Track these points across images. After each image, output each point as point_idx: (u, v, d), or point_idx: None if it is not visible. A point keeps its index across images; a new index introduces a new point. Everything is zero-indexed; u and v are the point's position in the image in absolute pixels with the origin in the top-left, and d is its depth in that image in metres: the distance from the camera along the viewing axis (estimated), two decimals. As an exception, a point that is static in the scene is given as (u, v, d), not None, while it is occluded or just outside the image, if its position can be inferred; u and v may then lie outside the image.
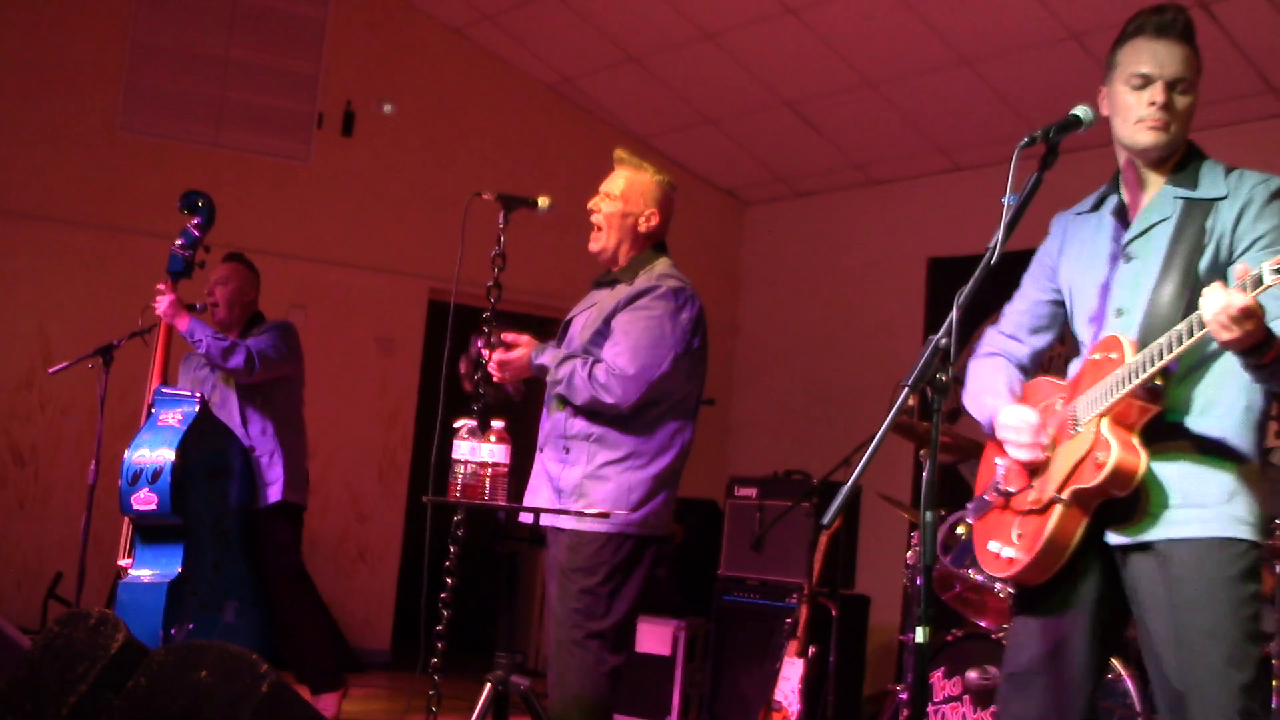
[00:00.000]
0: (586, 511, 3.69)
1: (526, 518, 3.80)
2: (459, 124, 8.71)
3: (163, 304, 5.53)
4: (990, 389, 2.97)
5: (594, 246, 4.15)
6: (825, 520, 2.49)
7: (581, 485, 3.88)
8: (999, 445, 2.90)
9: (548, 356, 3.93)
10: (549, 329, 4.23)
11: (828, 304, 8.74)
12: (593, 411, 3.90)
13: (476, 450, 3.29)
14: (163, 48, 8.03)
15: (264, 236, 7.72)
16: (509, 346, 3.92)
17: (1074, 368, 2.87)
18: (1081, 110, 2.69)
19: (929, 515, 2.44)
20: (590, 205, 4.15)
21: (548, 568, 3.99)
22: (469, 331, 3.91)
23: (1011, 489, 2.82)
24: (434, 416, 3.73)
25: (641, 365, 3.84)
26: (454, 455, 3.31)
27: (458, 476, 3.29)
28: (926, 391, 2.50)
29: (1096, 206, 2.95)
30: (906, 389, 2.44)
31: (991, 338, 3.12)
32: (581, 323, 4.08)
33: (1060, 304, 3.00)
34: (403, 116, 8.53)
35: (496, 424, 3.34)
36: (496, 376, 3.94)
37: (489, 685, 3.17)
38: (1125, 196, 2.88)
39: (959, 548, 4.96)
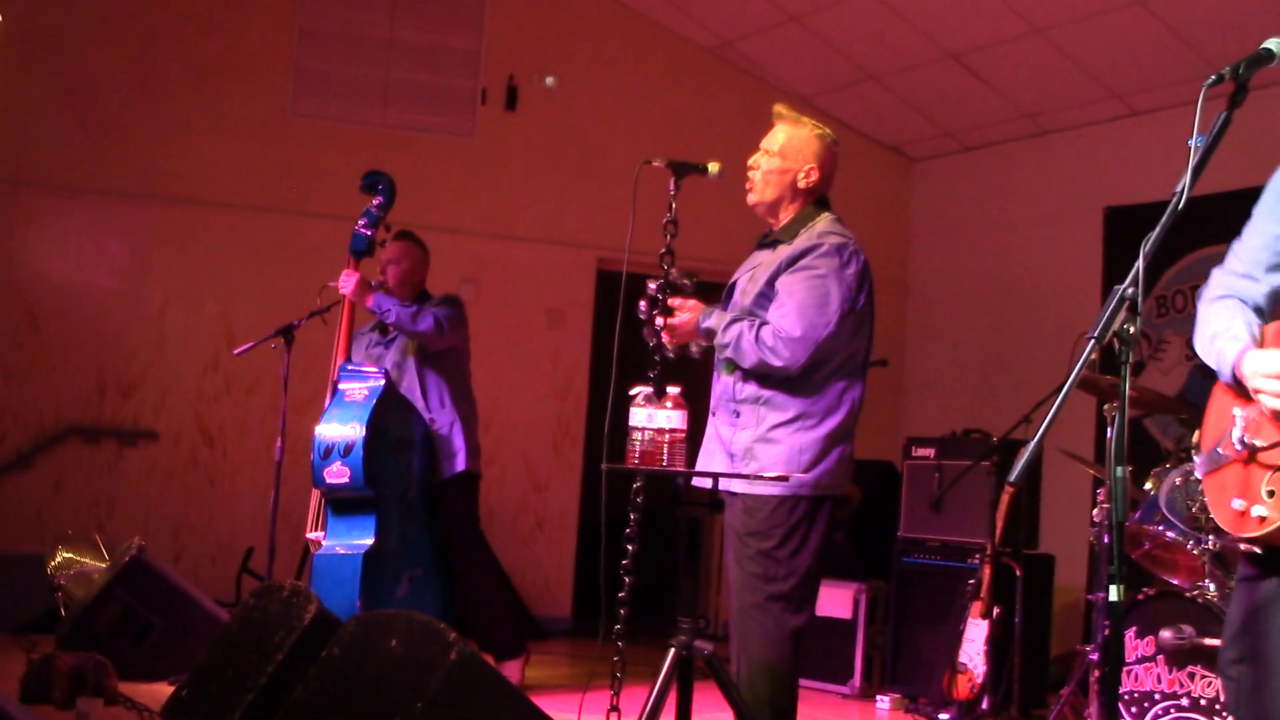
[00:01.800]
0: (762, 474, 3.68)
1: (704, 483, 3.81)
2: (620, 93, 8.73)
3: (349, 284, 5.67)
4: (1228, 333, 2.71)
5: (750, 200, 4.13)
6: (1012, 479, 2.42)
7: (752, 448, 3.87)
8: (1235, 393, 2.68)
9: (714, 319, 3.91)
10: (716, 295, 4.21)
11: (1001, 259, 8.57)
12: (761, 374, 3.89)
13: (653, 416, 3.31)
14: (328, 32, 8.21)
15: (432, 213, 7.84)
16: (675, 312, 3.92)
17: None
18: (1274, 43, 2.54)
19: (1119, 470, 2.37)
20: (750, 162, 4.12)
21: (725, 533, 4.00)
22: (639, 301, 3.91)
23: (1260, 442, 2.59)
24: (606, 386, 3.75)
25: (807, 326, 3.81)
26: (631, 422, 3.32)
27: (635, 443, 3.31)
28: (1114, 343, 2.42)
29: None
30: (1092, 341, 2.37)
31: (1221, 279, 2.83)
32: (745, 284, 4.06)
33: None
34: (565, 88, 8.58)
35: (672, 389, 3.34)
36: (666, 340, 3.94)
37: (672, 650, 3.18)
38: None
39: (1147, 503, 4.84)
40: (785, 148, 4.07)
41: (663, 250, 3.74)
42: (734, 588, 3.94)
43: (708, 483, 3.87)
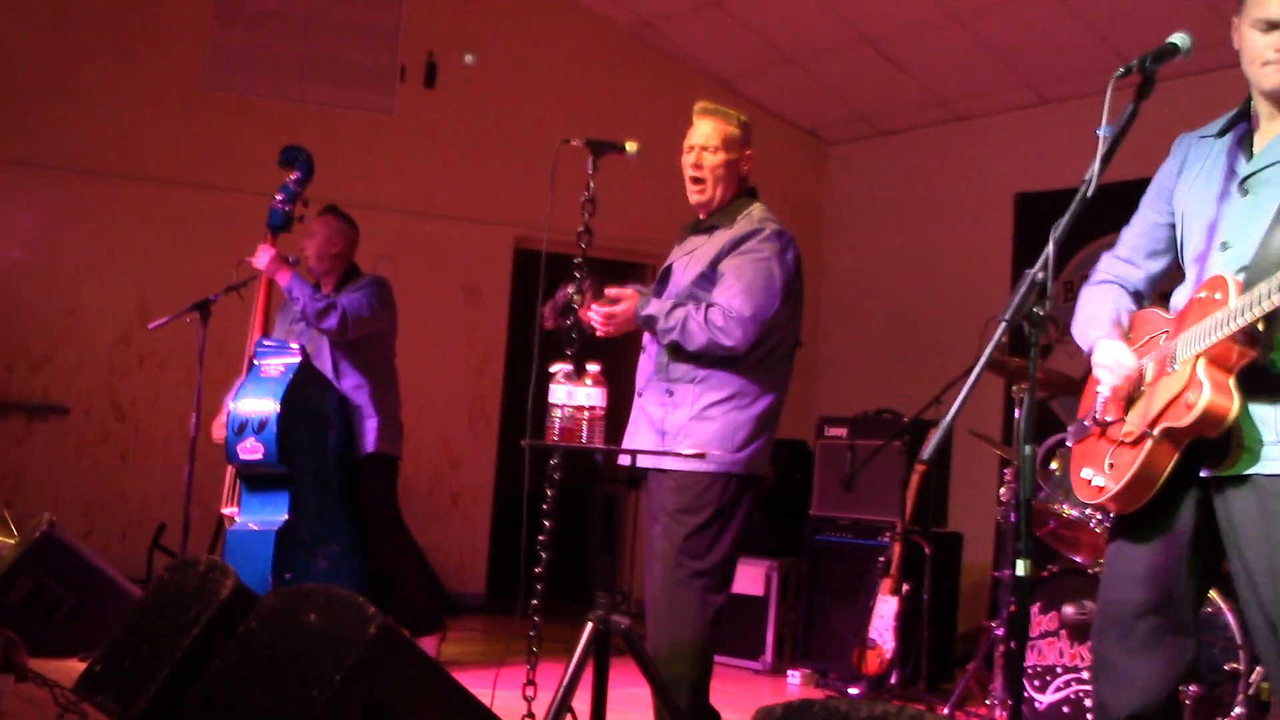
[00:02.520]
0: (685, 452, 3.72)
1: (644, 461, 3.86)
2: (540, 72, 8.72)
3: (264, 259, 5.64)
4: (1094, 319, 2.93)
5: (698, 199, 4.13)
6: (925, 457, 2.49)
7: (687, 426, 3.93)
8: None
9: (654, 307, 3.96)
10: (634, 274, 4.26)
11: (914, 243, 8.68)
12: (697, 354, 3.93)
13: (573, 394, 3.33)
14: (247, 6, 8.12)
15: (351, 189, 7.78)
16: (612, 302, 3.95)
17: (1179, 300, 2.82)
18: (1179, 38, 2.64)
19: (1027, 449, 2.45)
20: (691, 161, 4.14)
21: (646, 511, 4.04)
22: (559, 278, 3.93)
23: (1108, 418, 2.81)
24: (522, 364, 3.77)
25: (756, 306, 3.89)
26: (550, 399, 3.35)
27: (555, 420, 3.33)
28: (1023, 326, 2.49)
29: (1223, 132, 2.86)
30: (1003, 324, 2.44)
31: (1106, 263, 3.05)
32: (682, 268, 4.10)
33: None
34: (484, 66, 8.55)
35: (593, 367, 3.37)
36: (601, 332, 3.98)
37: (590, 624, 3.22)
38: (1254, 126, 2.80)
39: (1053, 483, 4.95)
40: (726, 141, 4.10)
41: (580, 229, 3.76)
42: (657, 563, 3.98)
43: (645, 462, 3.93)
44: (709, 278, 4.00)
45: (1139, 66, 2.62)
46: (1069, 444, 2.91)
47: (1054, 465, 5.04)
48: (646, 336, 4.11)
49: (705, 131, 4.13)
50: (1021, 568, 2.42)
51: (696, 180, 4.12)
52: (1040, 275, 2.47)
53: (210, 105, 8.02)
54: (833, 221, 9.37)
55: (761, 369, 3.99)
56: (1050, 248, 2.47)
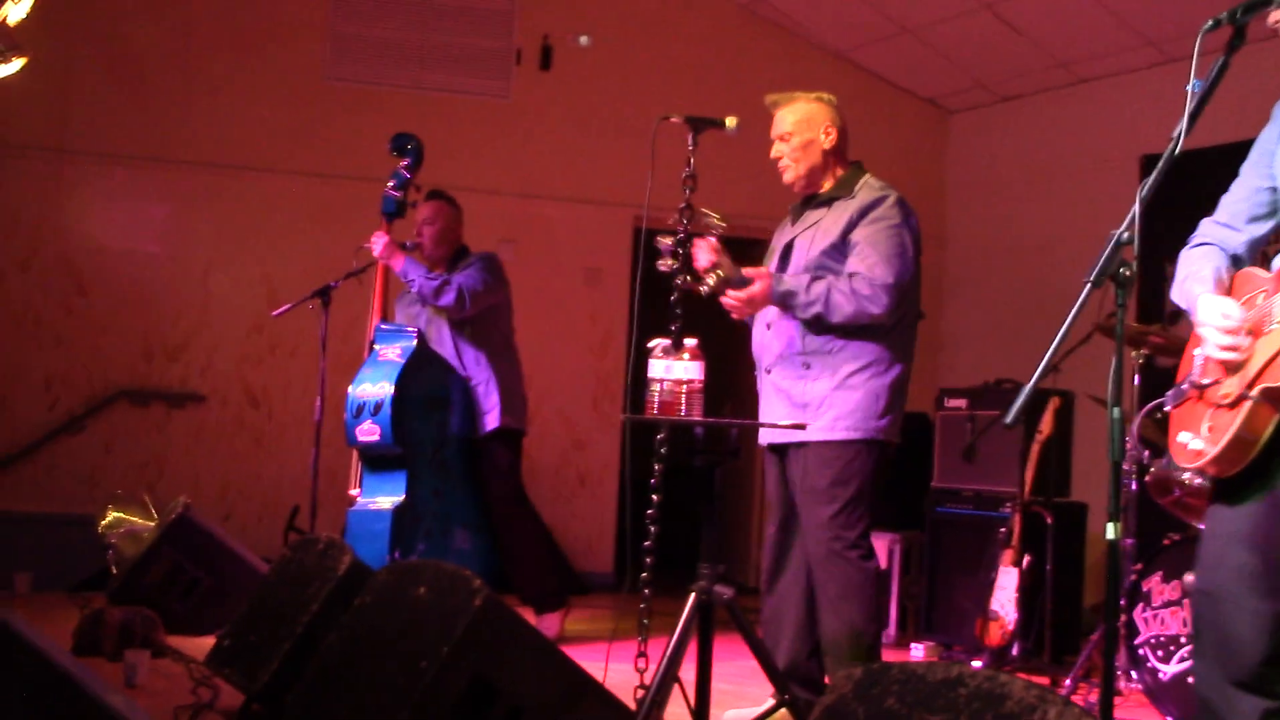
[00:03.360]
0: (783, 423, 3.75)
1: (769, 437, 4.03)
2: (655, 50, 8.75)
3: (378, 245, 5.76)
4: (1196, 276, 2.87)
5: (789, 181, 4.32)
6: (1008, 421, 2.50)
7: (830, 397, 4.01)
8: (1198, 336, 2.82)
9: (791, 282, 4.06)
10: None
11: (1037, 209, 8.54)
12: (829, 325, 4.00)
13: (671, 368, 3.37)
14: (364, -4, 8.28)
15: (470, 174, 7.91)
16: (747, 283, 4.04)
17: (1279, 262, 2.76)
18: (1272, -14, 2.58)
19: (1116, 411, 2.43)
20: (772, 155, 4.33)
21: (777, 485, 4.14)
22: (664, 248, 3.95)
23: (1205, 381, 2.76)
24: (631, 343, 3.82)
25: (897, 273, 4.01)
26: (649, 374, 3.40)
27: (654, 394, 3.38)
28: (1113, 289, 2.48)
29: None
30: (1088, 285, 2.43)
31: (1205, 227, 2.99)
32: (807, 243, 4.17)
33: None
34: (599, 47, 8.60)
35: (690, 341, 3.41)
36: (739, 314, 4.08)
37: (693, 595, 3.26)
38: None
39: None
40: (796, 124, 4.27)
41: (682, 205, 3.80)
42: (810, 542, 4.05)
43: (772, 437, 4.04)
44: (840, 249, 4.09)
45: (1229, 18, 2.59)
46: (1167, 408, 2.87)
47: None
48: (770, 313, 4.18)
49: (777, 121, 4.33)
50: (1111, 531, 2.41)
51: (781, 164, 4.32)
52: (1125, 235, 2.44)
53: (329, 95, 8.20)
54: (955, 191, 9.26)
55: (894, 336, 4.11)
56: (1137, 207, 2.45)
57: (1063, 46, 8.01)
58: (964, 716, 1.84)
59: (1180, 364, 2.90)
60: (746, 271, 4.08)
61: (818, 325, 4.07)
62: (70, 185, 7.84)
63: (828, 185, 4.26)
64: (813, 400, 4.06)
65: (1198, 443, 2.74)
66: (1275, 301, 2.65)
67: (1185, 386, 2.81)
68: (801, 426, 3.72)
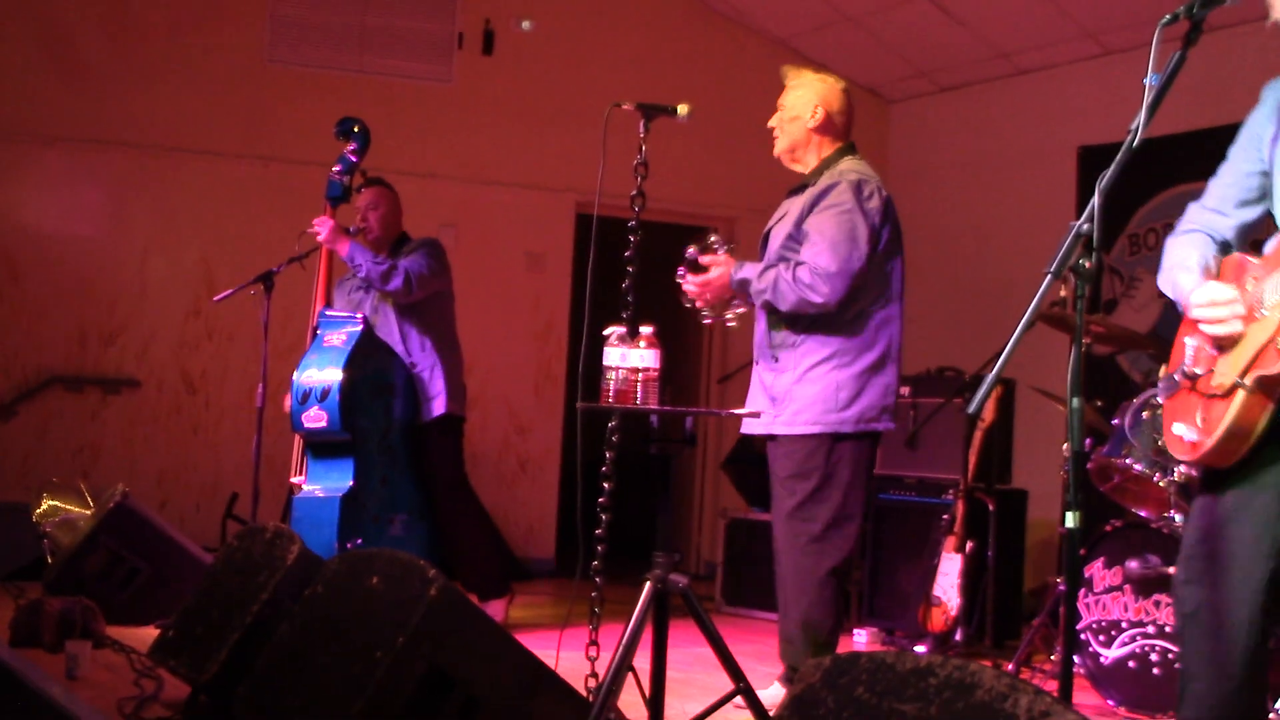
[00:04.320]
0: (740, 411, 3.75)
1: (750, 429, 4.16)
2: (598, 37, 8.73)
3: (324, 231, 5.71)
4: (1183, 265, 2.81)
5: (775, 152, 4.38)
6: (970, 410, 2.50)
7: (792, 390, 4.02)
8: (1191, 325, 2.78)
9: (747, 270, 4.11)
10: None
11: (977, 198, 8.62)
12: (794, 317, 4.02)
13: (627, 356, 3.37)
14: (304, -23, 8.19)
15: (411, 159, 7.86)
16: (705, 270, 4.07)
17: (1270, 246, 2.72)
18: (1227, -17, 2.60)
19: (1076, 401, 2.44)
20: (769, 123, 4.40)
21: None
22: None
23: (1198, 370, 2.72)
24: (584, 330, 3.81)
25: (842, 260, 3.98)
26: (604, 361, 3.39)
27: (609, 382, 3.37)
28: (1073, 279, 2.48)
29: None
30: (1049, 277, 2.44)
31: (1192, 213, 2.93)
32: (777, 234, 4.22)
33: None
34: (541, 32, 8.57)
35: (645, 329, 3.40)
36: (699, 301, 4.10)
37: (648, 584, 3.26)
38: None
39: (1115, 437, 4.92)
40: (790, 98, 4.33)
41: (633, 192, 3.80)
42: (776, 530, 4.08)
43: (750, 429, 4.17)
44: (795, 238, 4.13)
45: (1186, 12, 2.59)
46: (1159, 400, 2.85)
47: (1117, 420, 5.00)
48: (759, 311, 4.23)
49: (783, 95, 4.39)
50: (1071, 519, 2.42)
51: (774, 137, 4.37)
52: (1085, 227, 2.45)
53: (269, 77, 8.11)
54: (895, 180, 9.26)
55: (862, 323, 4.09)
56: (1096, 199, 2.45)
57: (1004, 37, 8.07)
58: (935, 706, 1.85)
59: (1171, 355, 2.86)
60: (703, 259, 4.11)
61: (783, 317, 4.11)
62: (2, 168, 7.70)
63: (811, 165, 4.29)
64: (780, 393, 4.10)
65: (1193, 434, 2.70)
66: (1266, 287, 2.62)
67: (1177, 377, 2.76)
68: (755, 414, 3.75)
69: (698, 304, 4.19)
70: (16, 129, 7.68)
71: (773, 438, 4.14)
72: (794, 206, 4.22)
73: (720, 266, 4.09)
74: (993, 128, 8.58)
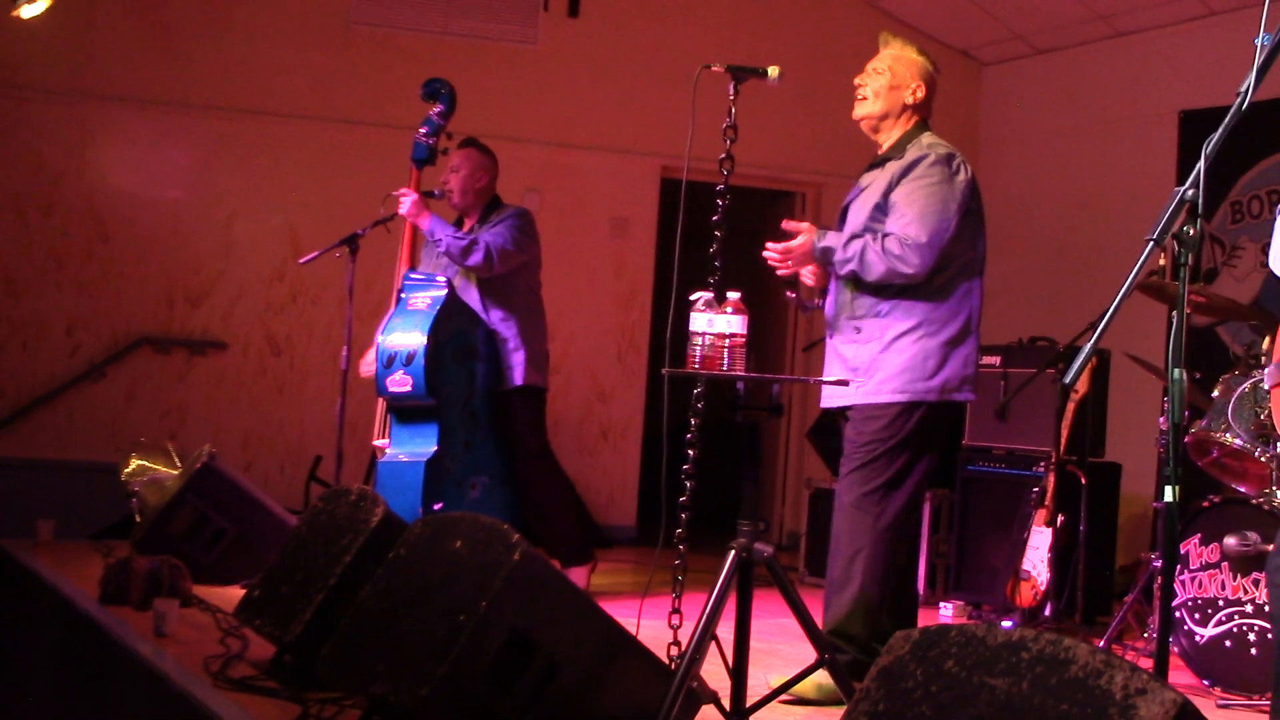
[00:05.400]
0: (828, 380, 3.74)
1: (831, 400, 4.17)
2: (685, -2, 8.68)
3: (406, 204, 5.73)
4: None
5: (858, 112, 4.33)
6: (1066, 380, 2.46)
7: (878, 360, 4.07)
8: None
9: (831, 239, 4.13)
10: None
11: (1072, 165, 8.48)
12: (879, 287, 4.07)
13: (713, 321, 3.35)
14: (390, -61, 8.21)
15: (496, 122, 7.86)
16: (789, 236, 4.12)
17: None
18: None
19: (1177, 372, 2.40)
20: (857, 80, 4.34)
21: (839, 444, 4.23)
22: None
23: None
24: (671, 296, 3.81)
25: (931, 230, 4.04)
26: (691, 327, 3.38)
27: (695, 348, 3.36)
28: (1174, 247, 2.44)
29: None
30: (1150, 244, 2.39)
31: None
32: (859, 206, 4.25)
33: None
34: (628, -7, 8.55)
35: (733, 295, 3.39)
36: (780, 269, 4.14)
37: (732, 552, 3.25)
38: None
39: (1214, 410, 4.83)
40: (894, 67, 4.31)
41: (722, 156, 3.81)
42: (842, 488, 4.11)
43: (829, 400, 4.19)
44: (883, 209, 4.18)
45: (1304, -30, 2.52)
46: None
47: (1216, 393, 4.92)
48: (833, 280, 4.25)
49: (878, 56, 4.37)
50: (1170, 494, 2.38)
51: (858, 95, 4.33)
52: (1190, 193, 2.40)
53: (354, 40, 8.15)
54: (987, 145, 9.19)
55: (945, 294, 4.16)
56: (1202, 164, 2.40)
57: (1102, -2, 7.92)
58: (1026, 681, 1.83)
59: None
60: (786, 225, 4.16)
61: (865, 287, 4.14)
62: (93, 129, 7.82)
63: (890, 139, 4.29)
64: (862, 363, 4.13)
65: None
66: None
67: None
68: (845, 383, 3.74)
69: (777, 271, 4.22)
70: (106, 90, 7.80)
71: (851, 407, 4.17)
72: (877, 180, 4.25)
73: (804, 234, 4.13)
74: (1090, 92, 8.43)
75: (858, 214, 4.23)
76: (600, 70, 8.53)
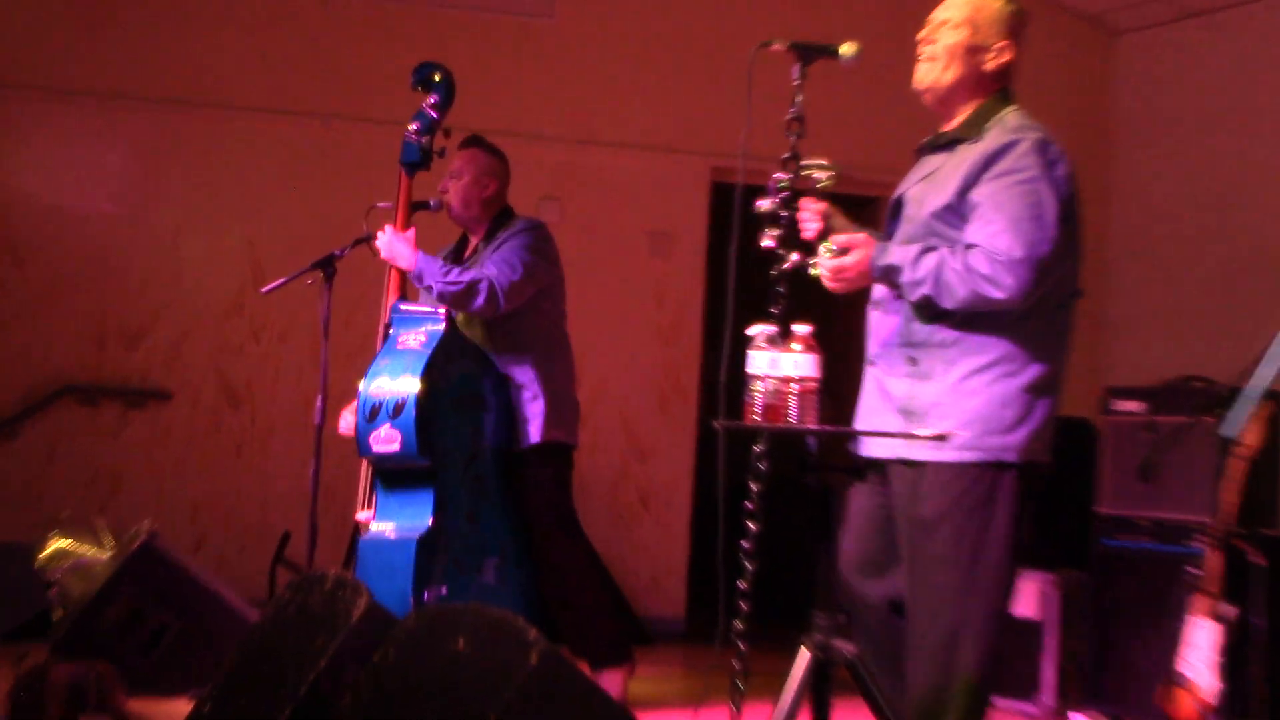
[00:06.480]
0: (923, 433, 3.70)
1: (870, 450, 3.93)
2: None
3: (382, 242, 5.72)
4: None
5: (921, 80, 4.13)
6: (1227, 432, 2.44)
7: (942, 403, 3.90)
8: None
9: (896, 254, 3.92)
10: (863, 212, 4.26)
11: (1229, 155, 8.45)
12: (954, 312, 3.89)
13: (777, 362, 3.34)
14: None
15: (503, 114, 7.91)
16: (842, 251, 3.95)
17: None
18: None
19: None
20: (920, 36, 4.14)
21: (865, 505, 4.07)
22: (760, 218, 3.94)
23: None
24: (726, 330, 3.79)
25: (1029, 243, 3.81)
26: (749, 369, 3.37)
27: (756, 395, 3.35)
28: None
29: None
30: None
31: None
32: (919, 199, 4.07)
33: None
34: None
35: (801, 329, 3.38)
36: (834, 287, 3.99)
37: (805, 653, 3.23)
38: None
39: None
40: (973, 17, 4.08)
41: (786, 155, 3.77)
42: (908, 581, 3.99)
43: (873, 450, 3.97)
44: (957, 210, 3.94)
45: None
46: None
47: None
48: (879, 289, 4.09)
49: (946, 4, 4.13)
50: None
51: (922, 56, 4.12)
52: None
53: (331, 16, 8.23)
54: (1123, 132, 9.18)
55: (1032, 324, 3.93)
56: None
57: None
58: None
59: None
60: (838, 238, 3.97)
61: (929, 310, 3.97)
62: (4, 127, 7.89)
63: (963, 112, 4.14)
64: (920, 406, 3.95)
65: None
66: None
67: None
68: (942, 438, 3.67)
69: (831, 289, 4.05)
70: (22, 79, 7.88)
71: (909, 464, 4.00)
72: (945, 169, 4.04)
73: (859, 249, 3.96)
74: (1251, 64, 8.41)
75: (919, 211, 4.06)
76: (632, 50, 8.56)
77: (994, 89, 4.08)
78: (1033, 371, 3.92)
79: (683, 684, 6.76)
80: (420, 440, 5.39)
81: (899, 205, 4.15)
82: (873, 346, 4.12)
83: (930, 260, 3.88)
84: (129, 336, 8.02)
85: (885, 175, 4.58)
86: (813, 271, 3.89)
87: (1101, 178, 9.04)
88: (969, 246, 3.85)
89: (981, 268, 3.80)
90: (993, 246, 3.81)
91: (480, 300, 5.62)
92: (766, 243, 3.74)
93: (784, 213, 3.76)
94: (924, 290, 3.88)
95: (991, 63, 4.07)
